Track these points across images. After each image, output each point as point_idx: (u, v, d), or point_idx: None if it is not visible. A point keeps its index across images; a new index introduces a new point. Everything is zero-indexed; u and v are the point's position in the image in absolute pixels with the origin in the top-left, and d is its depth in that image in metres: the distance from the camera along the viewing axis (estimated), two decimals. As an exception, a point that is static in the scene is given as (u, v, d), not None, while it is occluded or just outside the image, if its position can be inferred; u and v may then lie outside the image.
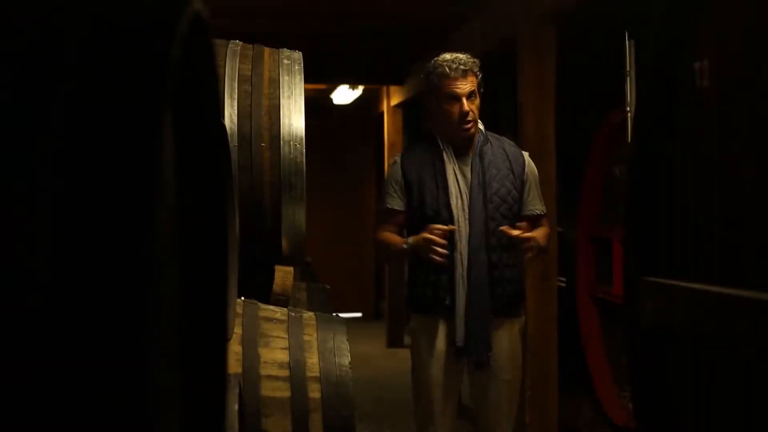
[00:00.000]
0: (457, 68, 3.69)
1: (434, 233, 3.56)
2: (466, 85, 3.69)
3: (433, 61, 3.79)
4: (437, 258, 3.57)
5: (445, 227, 3.59)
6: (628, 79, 4.48)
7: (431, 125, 3.88)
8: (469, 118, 3.69)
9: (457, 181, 3.73)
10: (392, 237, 3.81)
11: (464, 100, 3.68)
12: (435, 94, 3.76)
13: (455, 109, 3.70)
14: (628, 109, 4.49)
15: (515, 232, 3.59)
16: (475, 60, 3.77)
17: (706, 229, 2.00)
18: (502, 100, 6.46)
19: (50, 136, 0.96)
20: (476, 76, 3.73)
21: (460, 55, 3.75)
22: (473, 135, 3.75)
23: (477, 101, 3.73)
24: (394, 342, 10.50)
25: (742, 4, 1.92)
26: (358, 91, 11.15)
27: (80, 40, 1.00)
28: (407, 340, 10.19)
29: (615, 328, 5.66)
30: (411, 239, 3.68)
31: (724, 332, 1.86)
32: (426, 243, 3.57)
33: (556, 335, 5.24)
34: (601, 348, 5.87)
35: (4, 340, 0.93)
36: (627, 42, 4.48)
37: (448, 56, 3.75)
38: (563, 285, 5.82)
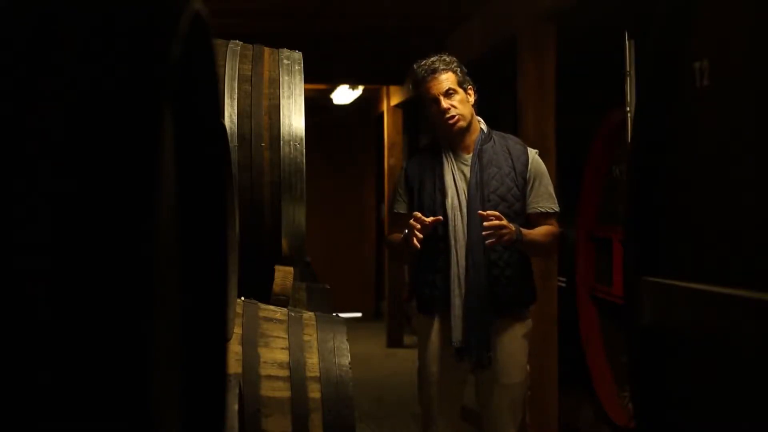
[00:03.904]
0: (426, 70, 3.76)
1: (415, 220, 3.58)
2: (440, 84, 3.74)
3: (410, 74, 3.87)
4: (413, 244, 3.56)
5: (426, 219, 3.59)
6: (628, 79, 4.48)
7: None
8: (450, 114, 3.72)
9: (455, 181, 3.75)
10: (398, 236, 3.85)
11: (441, 98, 3.73)
12: (423, 103, 3.85)
13: (434, 109, 3.76)
14: (628, 109, 4.49)
15: (493, 221, 3.55)
16: (449, 58, 3.80)
17: (706, 229, 2.00)
18: (502, 100, 6.47)
19: (50, 136, 0.96)
20: (454, 72, 3.76)
21: (431, 57, 3.80)
22: (462, 128, 3.76)
23: (459, 96, 3.75)
24: (394, 342, 10.50)
25: (742, 4, 1.92)
26: (358, 91, 11.15)
27: (80, 40, 1.00)
28: (407, 339, 10.25)
29: (615, 328, 5.66)
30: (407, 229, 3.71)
31: (724, 332, 1.86)
32: (408, 230, 3.61)
33: (556, 335, 5.24)
34: (601, 348, 5.87)
35: (4, 341, 0.93)
36: (627, 42, 4.48)
37: (420, 63, 3.82)
38: (563, 285, 5.82)
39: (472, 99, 3.80)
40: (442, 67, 3.74)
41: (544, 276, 5.09)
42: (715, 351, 1.96)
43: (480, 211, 3.59)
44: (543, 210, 3.79)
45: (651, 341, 2.17)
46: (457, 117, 3.73)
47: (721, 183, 1.94)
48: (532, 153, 3.84)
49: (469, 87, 3.79)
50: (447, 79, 3.74)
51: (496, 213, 3.57)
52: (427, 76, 3.75)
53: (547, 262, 4.96)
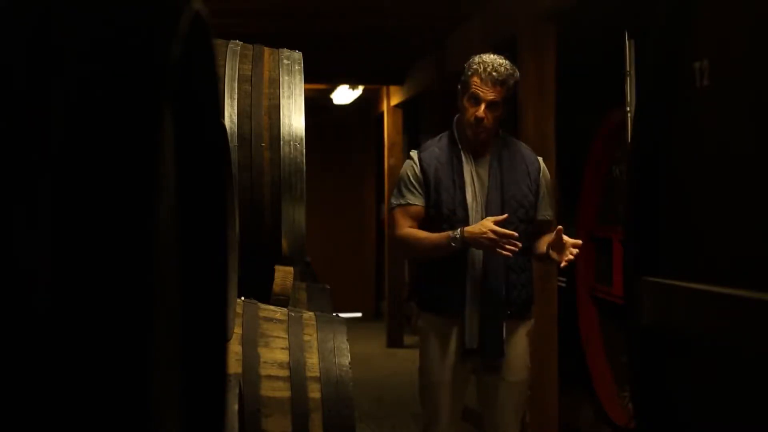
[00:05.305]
0: (490, 74, 3.67)
1: (496, 227, 3.52)
2: (491, 94, 3.67)
3: (477, 56, 3.77)
4: (507, 254, 3.53)
5: (500, 218, 3.56)
6: (628, 79, 4.48)
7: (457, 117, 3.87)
8: (483, 125, 3.69)
9: (473, 181, 3.74)
10: (423, 232, 3.75)
11: (483, 106, 3.67)
12: (463, 87, 3.77)
13: (472, 110, 3.70)
14: (628, 109, 4.49)
15: (570, 241, 3.55)
16: (514, 72, 3.74)
17: (706, 229, 2.00)
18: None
19: (50, 135, 0.96)
20: (508, 89, 3.70)
21: (502, 62, 3.71)
22: (483, 140, 3.75)
23: (498, 112, 3.71)
24: (394, 342, 10.50)
25: (742, 4, 1.92)
26: (358, 91, 11.15)
27: (80, 40, 1.00)
28: (407, 339, 10.24)
29: (615, 328, 5.66)
30: (458, 233, 3.60)
31: (724, 332, 1.86)
32: (491, 239, 3.52)
33: (556, 335, 5.24)
34: (601, 348, 5.87)
35: (5, 341, 0.93)
36: (627, 42, 4.48)
37: (491, 57, 3.73)
38: (563, 285, 5.82)
39: (504, 115, 3.77)
40: (502, 79, 3.67)
41: (544, 277, 5.09)
42: (715, 351, 1.96)
43: (559, 227, 3.57)
44: (548, 218, 3.83)
45: (651, 341, 2.17)
46: (484, 130, 3.71)
47: (721, 183, 1.94)
48: (540, 160, 3.89)
49: (509, 103, 3.78)
50: (499, 93, 3.68)
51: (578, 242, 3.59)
52: (487, 77, 3.67)
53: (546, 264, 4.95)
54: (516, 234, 3.53)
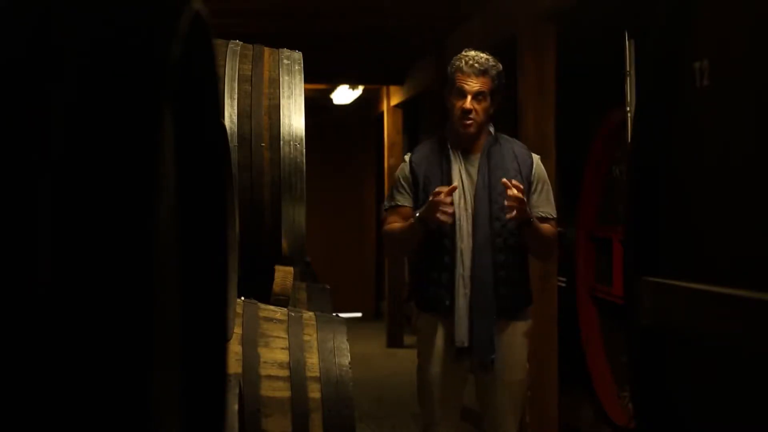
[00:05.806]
0: (472, 65, 3.72)
1: (437, 194, 3.55)
2: (476, 84, 3.71)
3: (457, 55, 3.83)
4: (444, 218, 3.55)
5: (447, 187, 3.58)
6: (628, 79, 4.48)
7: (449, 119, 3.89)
8: (470, 116, 3.71)
9: (462, 181, 3.75)
10: (401, 223, 3.80)
11: (469, 98, 3.71)
12: (449, 85, 3.81)
13: (459, 103, 3.73)
14: (628, 109, 4.49)
15: (514, 191, 3.54)
16: (496, 64, 3.77)
17: (706, 229, 2.00)
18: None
19: (50, 135, 0.96)
20: (492, 79, 3.73)
21: (482, 55, 3.77)
22: (472, 133, 3.76)
23: (485, 103, 3.73)
24: (394, 342, 10.50)
25: (742, 4, 1.92)
26: (358, 91, 11.15)
27: (81, 40, 1.00)
28: (407, 339, 10.24)
29: (615, 327, 5.66)
30: (418, 211, 3.66)
31: (724, 332, 1.86)
32: (431, 205, 3.56)
33: (556, 335, 5.24)
34: (601, 348, 5.87)
35: (4, 341, 0.93)
36: (627, 42, 4.48)
37: (471, 53, 3.79)
38: (563, 285, 5.82)
39: (493, 109, 3.79)
40: (484, 69, 3.72)
41: (543, 276, 5.09)
42: (715, 351, 1.96)
43: (504, 180, 3.58)
44: (544, 215, 3.82)
45: (651, 341, 2.17)
46: (472, 122, 3.72)
47: (721, 183, 1.94)
48: (536, 158, 3.87)
49: (498, 97, 3.79)
50: (484, 83, 3.72)
51: (520, 186, 3.58)
52: (469, 69, 3.72)
53: (546, 264, 4.95)
54: (445, 191, 3.54)
